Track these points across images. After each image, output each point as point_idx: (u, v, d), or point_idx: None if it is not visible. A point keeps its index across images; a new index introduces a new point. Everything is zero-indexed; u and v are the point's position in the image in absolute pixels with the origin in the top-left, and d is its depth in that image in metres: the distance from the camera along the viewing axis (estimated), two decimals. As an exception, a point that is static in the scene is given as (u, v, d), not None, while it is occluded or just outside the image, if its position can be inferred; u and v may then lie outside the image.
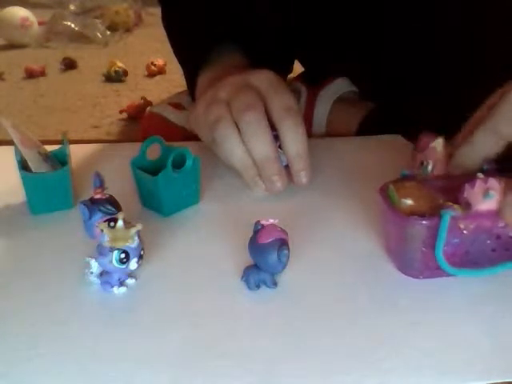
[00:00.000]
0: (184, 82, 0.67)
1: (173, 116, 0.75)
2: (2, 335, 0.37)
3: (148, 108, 0.85)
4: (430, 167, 0.44)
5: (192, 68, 0.62)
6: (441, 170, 0.44)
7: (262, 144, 0.50)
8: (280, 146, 0.52)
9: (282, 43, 0.69)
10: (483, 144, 0.44)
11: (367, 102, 0.71)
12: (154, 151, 0.51)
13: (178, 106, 0.76)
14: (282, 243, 0.40)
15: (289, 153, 0.51)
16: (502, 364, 0.35)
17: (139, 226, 0.39)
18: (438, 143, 0.44)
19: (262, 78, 0.53)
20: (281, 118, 0.51)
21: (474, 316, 0.39)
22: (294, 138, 0.51)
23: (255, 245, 0.40)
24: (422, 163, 0.45)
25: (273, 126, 0.51)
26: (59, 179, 0.49)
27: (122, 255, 0.39)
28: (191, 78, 0.62)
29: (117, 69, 2.02)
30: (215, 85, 0.55)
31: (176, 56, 0.69)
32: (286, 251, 0.40)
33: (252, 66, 0.59)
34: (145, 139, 0.51)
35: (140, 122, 1.03)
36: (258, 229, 0.40)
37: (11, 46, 2.35)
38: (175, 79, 2.01)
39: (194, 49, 0.63)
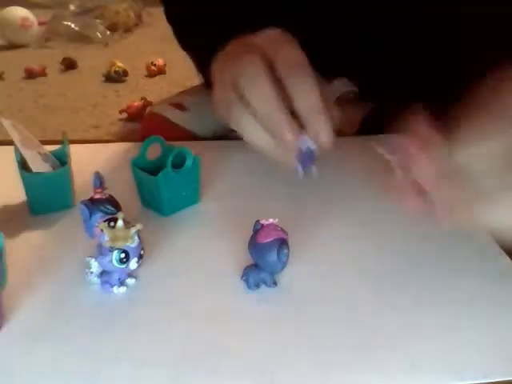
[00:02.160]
0: (185, 82, 0.67)
1: (173, 116, 0.75)
2: (2, 335, 0.37)
3: (148, 108, 0.85)
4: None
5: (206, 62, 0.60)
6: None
7: (262, 99, 0.45)
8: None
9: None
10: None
11: (367, 102, 0.71)
12: (154, 151, 0.51)
13: (179, 106, 0.76)
14: (282, 243, 0.40)
15: (300, 111, 0.45)
16: (501, 363, 0.35)
17: (139, 226, 0.39)
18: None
19: (266, 37, 0.48)
20: (286, 73, 0.45)
21: (474, 316, 0.39)
22: (304, 92, 0.45)
23: (255, 244, 0.40)
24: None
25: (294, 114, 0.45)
26: (59, 179, 0.49)
27: (122, 255, 0.39)
28: (205, 65, 0.60)
29: (117, 69, 2.02)
30: (223, 65, 0.51)
31: (187, 51, 0.67)
32: (285, 251, 0.40)
33: None
34: (145, 139, 0.51)
35: (140, 122, 1.03)
36: (258, 228, 0.40)
37: (11, 46, 2.35)
38: (175, 79, 2.01)
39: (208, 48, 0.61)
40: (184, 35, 0.68)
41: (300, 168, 0.46)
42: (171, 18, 0.70)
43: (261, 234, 0.40)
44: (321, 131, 0.44)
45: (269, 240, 0.39)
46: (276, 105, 0.44)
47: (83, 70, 2.14)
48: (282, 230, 0.41)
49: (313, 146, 0.45)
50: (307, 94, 0.44)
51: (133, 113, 1.71)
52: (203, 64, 0.63)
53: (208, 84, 0.64)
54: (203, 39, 0.63)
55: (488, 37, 0.60)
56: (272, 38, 0.48)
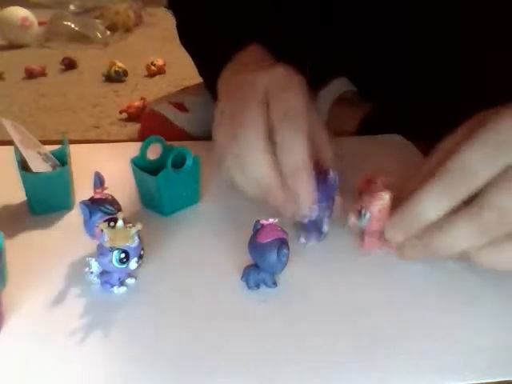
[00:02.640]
0: (184, 82, 0.67)
1: (173, 117, 0.75)
2: (2, 335, 0.37)
3: (148, 105, 0.84)
4: (366, 217, 0.41)
5: (212, 76, 0.59)
6: (379, 225, 0.41)
7: (256, 166, 0.43)
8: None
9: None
10: (465, 234, 0.37)
11: (367, 102, 0.71)
12: (154, 151, 0.51)
13: (179, 106, 0.76)
14: (282, 243, 0.40)
15: (284, 167, 0.43)
16: (502, 363, 0.35)
17: (139, 226, 0.39)
18: (385, 198, 0.41)
19: (271, 78, 0.47)
20: (276, 127, 0.43)
21: (474, 316, 0.39)
22: (289, 149, 0.42)
23: (255, 244, 0.40)
24: (359, 211, 0.41)
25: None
26: (59, 179, 0.49)
27: (122, 255, 0.39)
28: (212, 80, 0.60)
29: (117, 69, 2.02)
30: (224, 98, 0.50)
31: (194, 60, 0.67)
32: (285, 251, 0.40)
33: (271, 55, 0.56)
34: (144, 137, 0.51)
35: (140, 122, 1.03)
36: (258, 228, 0.40)
37: (11, 46, 2.35)
38: (175, 79, 2.01)
39: (214, 59, 0.60)
40: (186, 29, 0.67)
41: (303, 236, 0.46)
42: (174, 5, 0.69)
43: (261, 234, 0.40)
44: (303, 191, 0.42)
45: (269, 240, 0.39)
46: (273, 180, 0.43)
47: (83, 70, 2.14)
48: (282, 229, 0.41)
49: (314, 215, 0.44)
50: (291, 149, 0.42)
51: (133, 113, 1.71)
52: (203, 64, 0.63)
53: (207, 86, 0.64)
54: (205, 38, 0.63)
55: (488, 36, 0.60)
56: (276, 82, 0.46)
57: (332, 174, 0.44)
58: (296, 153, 0.42)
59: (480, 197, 0.36)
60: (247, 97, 0.46)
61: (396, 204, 0.40)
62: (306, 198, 0.42)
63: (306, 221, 0.45)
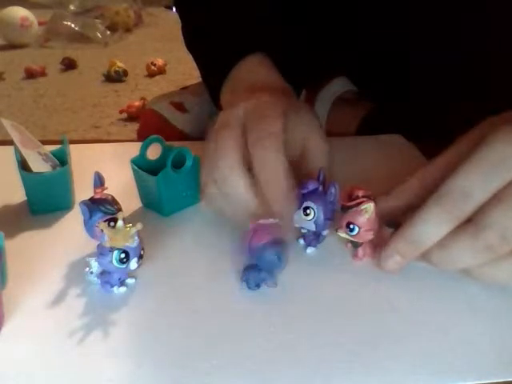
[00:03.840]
0: (184, 82, 0.67)
1: (173, 117, 0.74)
2: (2, 335, 0.37)
3: (148, 103, 0.84)
4: (355, 231, 0.42)
5: (215, 86, 0.59)
6: (370, 233, 0.42)
7: (234, 190, 0.44)
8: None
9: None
10: (467, 253, 0.37)
11: (367, 102, 0.71)
12: (154, 151, 0.51)
13: (179, 106, 0.76)
14: (280, 242, 0.40)
15: (259, 182, 0.43)
16: (502, 364, 0.35)
17: (139, 226, 0.39)
18: (369, 208, 0.41)
19: (244, 112, 0.47)
20: (251, 147, 0.44)
21: (474, 316, 0.39)
22: (263, 165, 0.43)
23: (253, 245, 0.40)
24: (347, 225, 0.42)
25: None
26: (59, 179, 0.49)
27: (122, 255, 0.39)
28: (214, 90, 0.60)
29: (117, 69, 2.02)
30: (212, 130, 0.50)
31: (198, 67, 0.67)
32: (283, 250, 0.40)
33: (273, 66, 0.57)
34: (142, 135, 0.51)
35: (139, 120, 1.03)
36: (256, 229, 0.40)
37: (11, 46, 2.35)
38: (175, 79, 2.02)
39: (217, 69, 0.59)
40: (190, 34, 0.67)
41: (302, 242, 0.46)
42: (180, 10, 0.69)
43: (259, 234, 0.40)
44: (277, 202, 0.43)
45: (266, 240, 0.39)
46: (251, 200, 0.43)
47: (83, 70, 2.14)
48: (280, 229, 0.41)
49: (311, 228, 0.44)
50: (265, 166, 0.43)
51: (133, 113, 1.71)
52: (206, 71, 0.63)
53: (209, 93, 0.63)
54: (208, 44, 0.62)
55: (489, 36, 0.60)
56: (251, 111, 0.47)
57: (333, 189, 0.44)
58: (269, 166, 0.43)
59: (481, 214, 0.36)
60: (225, 128, 0.46)
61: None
62: (286, 203, 0.43)
63: (305, 231, 0.45)
